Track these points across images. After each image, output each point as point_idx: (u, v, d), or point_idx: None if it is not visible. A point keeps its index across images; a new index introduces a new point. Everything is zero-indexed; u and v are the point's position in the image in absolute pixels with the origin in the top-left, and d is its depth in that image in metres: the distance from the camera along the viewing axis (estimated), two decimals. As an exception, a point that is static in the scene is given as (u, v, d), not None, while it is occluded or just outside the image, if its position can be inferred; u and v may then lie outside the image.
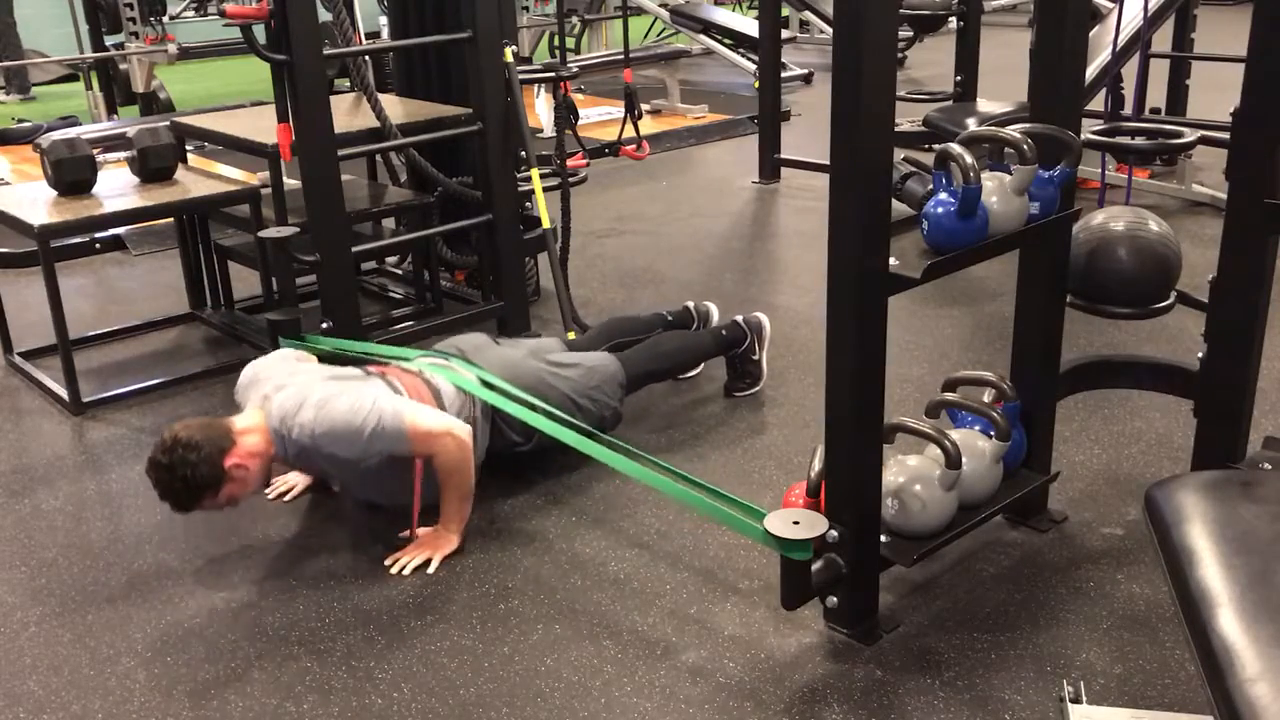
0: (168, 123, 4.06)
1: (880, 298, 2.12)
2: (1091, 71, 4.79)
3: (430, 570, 2.61)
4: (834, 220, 2.08)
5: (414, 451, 2.61)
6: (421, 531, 2.70)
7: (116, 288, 4.73)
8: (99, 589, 2.62)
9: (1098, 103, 4.84)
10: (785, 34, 7.49)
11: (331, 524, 2.87)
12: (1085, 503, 2.78)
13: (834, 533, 2.22)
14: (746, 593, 2.49)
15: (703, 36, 8.57)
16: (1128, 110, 4.94)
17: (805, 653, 2.29)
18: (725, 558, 2.63)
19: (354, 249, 3.49)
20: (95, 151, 3.87)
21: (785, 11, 8.78)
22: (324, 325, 3.28)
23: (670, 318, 3.52)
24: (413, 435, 2.58)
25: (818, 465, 2.34)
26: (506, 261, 3.77)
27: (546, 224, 3.84)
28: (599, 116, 7.37)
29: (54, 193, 3.71)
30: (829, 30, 8.91)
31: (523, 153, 3.78)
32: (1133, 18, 4.72)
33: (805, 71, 8.87)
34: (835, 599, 2.30)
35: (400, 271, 4.57)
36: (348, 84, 5.16)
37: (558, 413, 2.82)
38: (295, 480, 3.00)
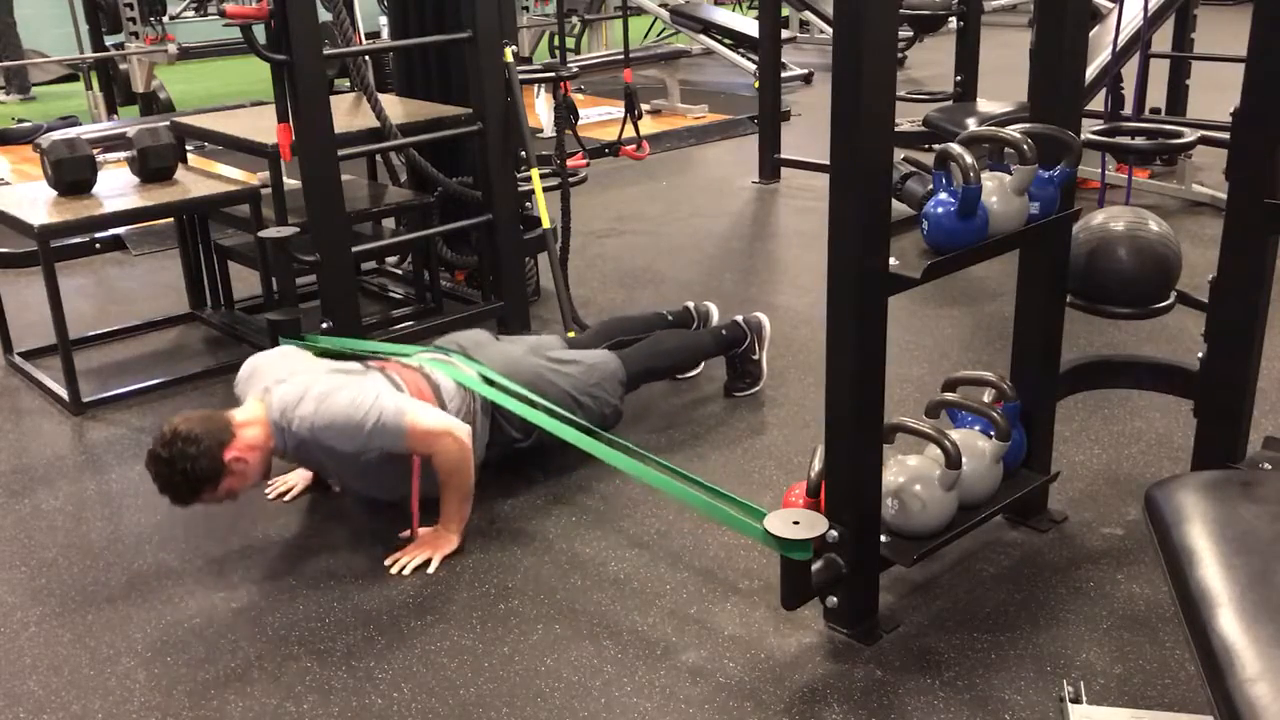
0: (168, 123, 4.06)
1: (880, 298, 2.12)
2: (1091, 71, 4.79)
3: (430, 570, 2.61)
4: (834, 220, 2.08)
5: (413, 450, 2.61)
6: (422, 531, 2.70)
7: (116, 288, 4.73)
8: (99, 589, 2.62)
9: (1098, 103, 4.84)
10: (785, 34, 7.49)
11: (331, 524, 2.87)
12: (1085, 503, 2.78)
13: (834, 533, 2.22)
14: (746, 593, 2.49)
15: (703, 36, 8.57)
16: (1128, 110, 4.94)
17: (805, 653, 2.29)
18: (725, 558, 2.63)
19: (354, 249, 3.49)
20: (95, 151, 3.87)
21: (785, 11, 8.78)
22: (324, 325, 3.28)
23: (670, 317, 3.52)
24: (412, 434, 2.58)
25: (818, 465, 2.34)
26: (506, 261, 3.77)
27: (546, 224, 3.84)
28: (599, 116, 7.37)
29: (54, 193, 3.71)
30: (829, 30, 8.91)
31: (523, 153, 3.78)
32: (1133, 18, 4.72)
33: (805, 71, 8.87)
34: (835, 599, 2.30)
35: (400, 271, 4.57)
36: (348, 84, 5.16)
37: (558, 409, 2.83)
38: (295, 481, 3.00)
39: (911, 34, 7.73)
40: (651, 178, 6.18)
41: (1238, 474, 2.10)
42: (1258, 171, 2.26)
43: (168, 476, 2.51)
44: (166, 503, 2.89)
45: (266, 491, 2.97)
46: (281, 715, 2.19)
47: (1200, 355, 2.48)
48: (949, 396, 2.53)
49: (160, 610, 2.53)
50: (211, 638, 2.42)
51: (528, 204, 3.99)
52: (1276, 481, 1.94)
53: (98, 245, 5.08)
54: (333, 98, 3.32)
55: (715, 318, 3.59)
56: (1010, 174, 2.24)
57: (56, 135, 4.16)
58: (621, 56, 6.00)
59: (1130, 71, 4.60)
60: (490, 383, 2.86)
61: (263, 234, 3.19)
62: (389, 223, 4.38)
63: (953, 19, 5.87)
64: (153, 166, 3.78)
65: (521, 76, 3.77)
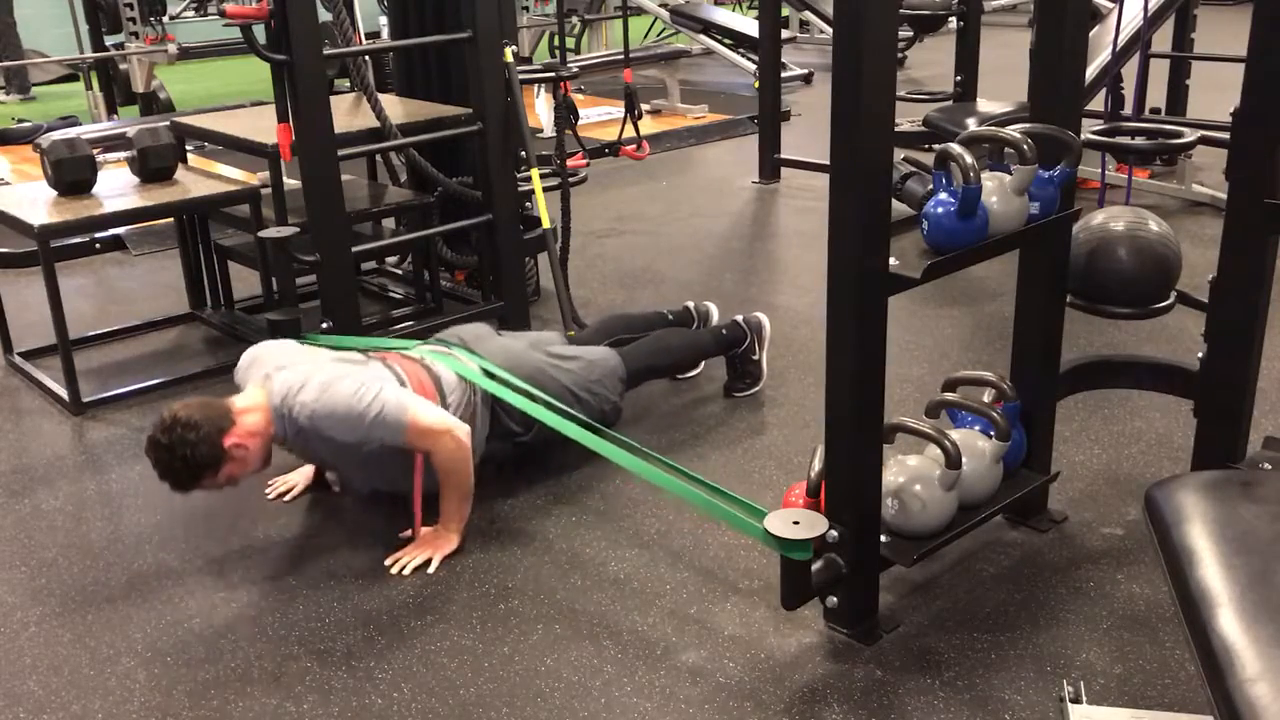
0: (168, 123, 4.06)
1: (880, 298, 2.12)
2: (1091, 71, 4.79)
3: (430, 570, 2.61)
4: (834, 220, 2.08)
5: (411, 446, 2.60)
6: (422, 531, 2.70)
7: (116, 288, 4.73)
8: (99, 589, 2.62)
9: (1098, 103, 4.84)
10: (785, 34, 7.49)
11: (331, 524, 2.87)
12: (1085, 503, 2.78)
13: (834, 533, 2.22)
14: (746, 593, 2.49)
15: (703, 36, 8.57)
16: (1128, 110, 4.94)
17: (805, 653, 2.29)
18: (725, 558, 2.63)
19: (354, 249, 3.49)
20: (95, 151, 3.87)
21: (785, 11, 8.78)
22: (324, 325, 3.29)
23: (671, 317, 3.52)
24: (412, 429, 2.57)
25: (818, 465, 2.34)
26: (506, 261, 3.77)
27: (546, 224, 3.84)
28: (599, 116, 7.37)
29: (54, 193, 3.71)
30: (829, 30, 8.91)
31: (523, 153, 3.78)
32: (1133, 18, 4.72)
33: (805, 71, 8.87)
34: (835, 599, 2.30)
35: (400, 271, 4.57)
36: (348, 84, 5.16)
37: (558, 404, 2.83)
38: (295, 480, 3.00)
39: (911, 34, 7.73)
40: (651, 178, 6.18)
41: (1238, 474, 2.10)
42: (1258, 171, 2.26)
43: (167, 463, 2.50)
44: (166, 503, 2.91)
45: (266, 491, 2.97)
46: (281, 715, 2.19)
47: (1200, 355, 2.49)
48: (949, 396, 2.53)
49: (160, 610, 2.53)
50: (211, 638, 2.42)
51: (528, 204, 3.99)
52: (1276, 481, 1.94)
53: (98, 245, 5.08)
54: (333, 98, 3.33)
55: (715, 318, 3.59)
56: (1010, 174, 2.24)
57: (56, 135, 4.16)
58: (621, 56, 6.00)
59: (1130, 71, 4.60)
60: (491, 376, 2.86)
61: (263, 234, 3.20)
62: (389, 223, 4.38)
63: (953, 19, 5.87)
64: (153, 166, 3.78)
65: (521, 76, 3.77)
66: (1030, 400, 2.55)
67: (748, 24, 8.33)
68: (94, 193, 3.71)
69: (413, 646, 2.36)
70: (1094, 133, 3.59)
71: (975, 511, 2.44)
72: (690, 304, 3.61)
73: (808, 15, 10.00)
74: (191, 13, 10.33)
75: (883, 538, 2.32)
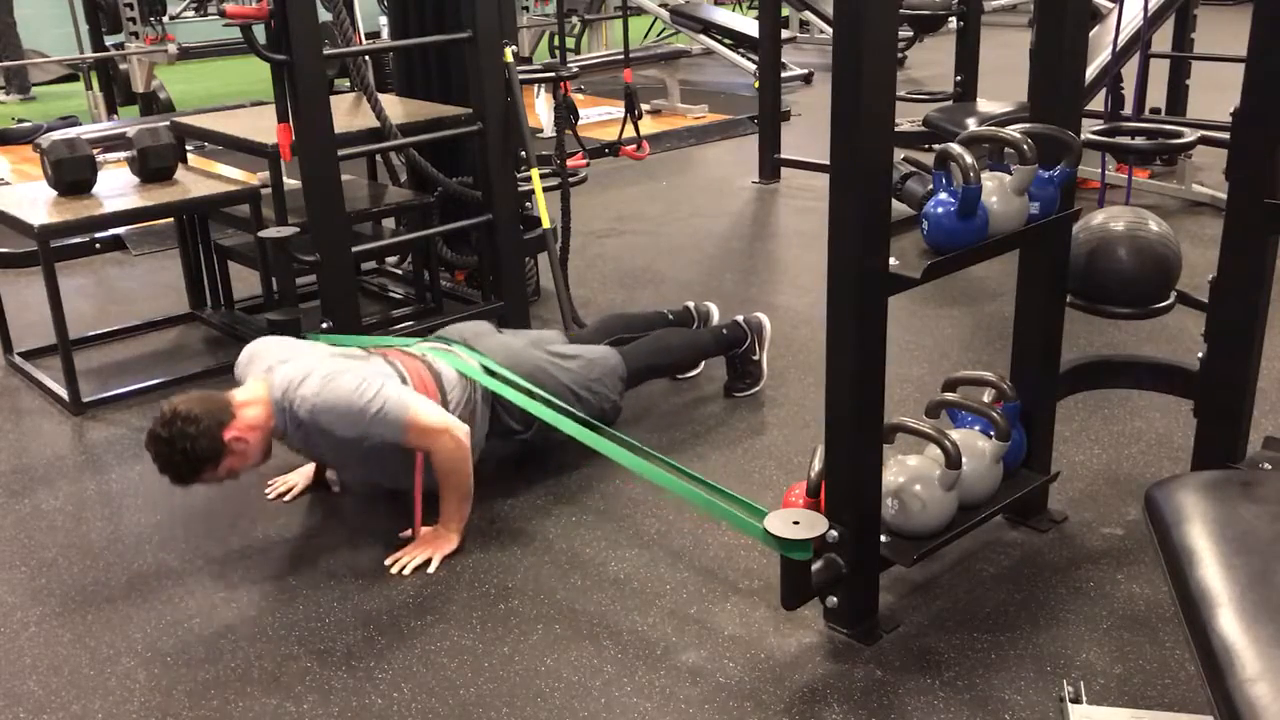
0: (168, 123, 4.06)
1: (880, 298, 2.12)
2: (1091, 71, 4.79)
3: (430, 570, 2.61)
4: (834, 220, 2.08)
5: (410, 444, 2.60)
6: (422, 531, 2.70)
7: (116, 288, 4.73)
8: (99, 589, 2.62)
9: (1098, 103, 4.84)
10: (785, 34, 7.49)
11: (331, 524, 2.87)
12: (1085, 503, 2.78)
13: (834, 533, 2.22)
14: (746, 593, 2.49)
15: (703, 36, 8.57)
16: (1128, 110, 4.94)
17: (805, 653, 2.29)
18: (725, 558, 2.63)
19: (354, 249, 3.49)
20: (95, 151, 3.87)
21: (785, 11, 8.78)
22: (324, 325, 3.28)
23: (671, 317, 3.52)
24: (411, 427, 2.57)
25: (818, 465, 2.34)
26: (506, 261, 3.77)
27: (546, 224, 3.84)
28: (599, 116, 7.37)
29: (54, 193, 3.71)
30: (829, 30, 8.91)
31: (523, 153, 3.78)
32: (1133, 18, 4.72)
33: (805, 71, 8.87)
34: (835, 599, 2.30)
35: (400, 271, 4.57)
36: (348, 84, 5.16)
37: (558, 402, 2.83)
38: (295, 480, 3.00)
39: (911, 34, 7.73)
40: (651, 178, 6.18)
41: (1238, 474, 2.09)
42: (1258, 171, 2.26)
43: (167, 456, 2.50)
44: (166, 503, 2.91)
45: (266, 492, 2.97)
46: (281, 715, 2.19)
47: (1200, 355, 2.49)
48: (949, 396, 2.53)
49: (160, 610, 2.53)
50: (211, 638, 2.42)
51: (528, 204, 3.99)
52: (1276, 481, 1.94)
53: (98, 245, 5.08)
54: (333, 98, 3.32)
55: (715, 318, 3.59)
56: (1010, 174, 2.24)
57: (56, 135, 4.16)
58: (621, 56, 6.00)
59: (1130, 71, 4.60)
60: (492, 373, 2.86)
61: (263, 234, 3.19)
62: (389, 223, 4.38)
63: (953, 19, 5.87)
64: (153, 166, 3.78)
65: (521, 76, 3.77)
66: (1030, 400, 2.55)
67: (748, 24, 8.33)
68: (94, 193, 3.71)
69: (413, 646, 2.36)
70: (1094, 133, 3.59)
71: (975, 511, 2.44)
72: (690, 304, 3.61)
73: (808, 15, 10.00)
74: (191, 13, 10.33)
75: (883, 538, 2.32)
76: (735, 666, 2.26)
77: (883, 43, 1.98)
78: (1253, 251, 2.32)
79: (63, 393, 3.52)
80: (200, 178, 3.91)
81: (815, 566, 2.22)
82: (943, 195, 2.17)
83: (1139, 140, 4.03)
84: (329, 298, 3.34)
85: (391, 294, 4.41)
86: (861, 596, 2.32)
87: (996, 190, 2.22)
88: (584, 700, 2.19)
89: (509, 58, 3.59)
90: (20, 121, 7.73)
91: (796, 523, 2.12)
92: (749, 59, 8.10)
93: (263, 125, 3.69)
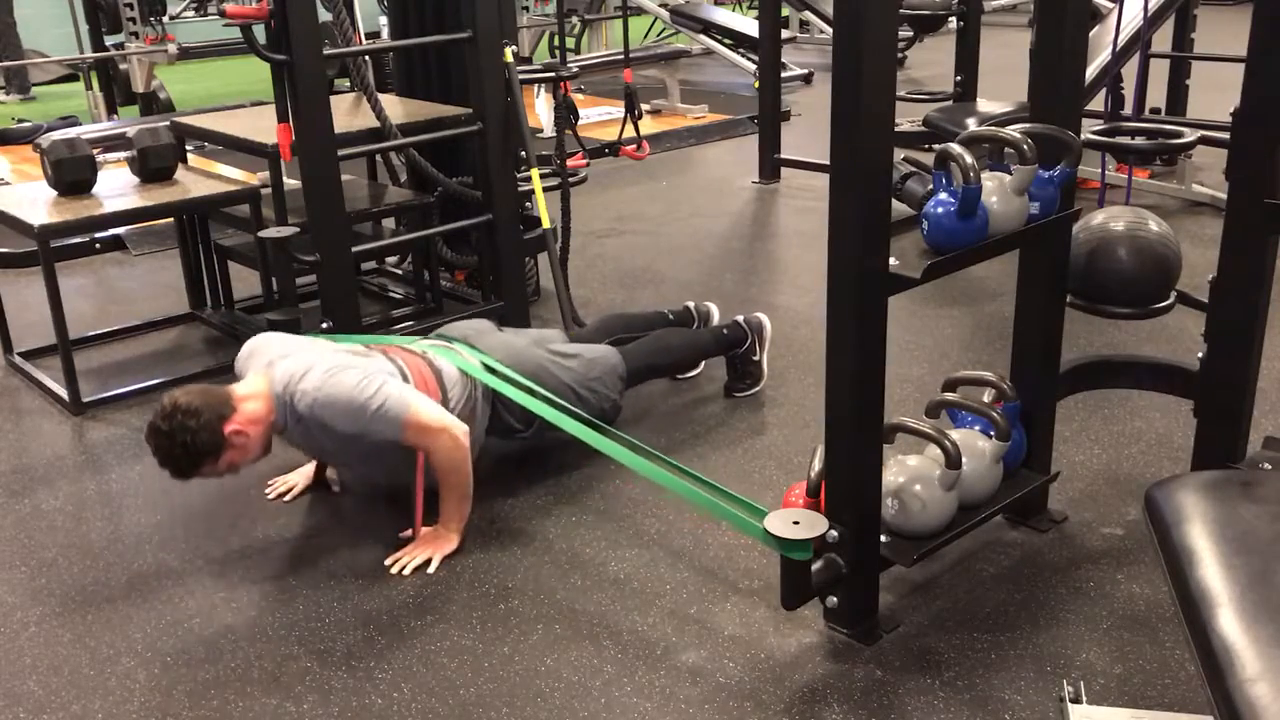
0: (168, 123, 4.06)
1: (880, 298, 2.12)
2: (1091, 71, 4.79)
3: (430, 570, 2.61)
4: (834, 220, 2.08)
5: (409, 443, 2.60)
6: (422, 530, 2.70)
7: (116, 288, 4.73)
8: (99, 589, 2.62)
9: (1098, 103, 4.84)
10: (785, 34, 7.49)
11: (331, 524, 2.87)
12: (1085, 503, 2.78)
13: (834, 533, 2.22)
14: (746, 593, 2.49)
15: (703, 36, 8.57)
16: (1128, 110, 4.94)
17: (805, 653, 2.29)
18: (725, 558, 2.63)
19: (354, 249, 3.49)
20: (95, 151, 3.87)
21: (785, 11, 8.78)
22: (324, 325, 3.28)
23: (671, 317, 3.53)
24: (411, 426, 2.57)
25: (818, 465, 2.34)
26: (506, 261, 3.77)
27: (546, 224, 3.84)
28: (599, 116, 7.37)
29: (54, 193, 3.71)
30: (829, 30, 8.91)
31: (523, 153, 3.78)
32: (1133, 18, 4.72)
33: (805, 71, 8.87)
34: (835, 599, 2.30)
35: (400, 271, 4.57)
36: (348, 84, 5.16)
37: (559, 401, 2.83)
38: (295, 480, 3.00)
39: (911, 34, 7.73)
40: (651, 178, 6.18)
41: (1238, 474, 2.09)
42: (1258, 171, 2.26)
43: (168, 449, 2.50)
44: (167, 502, 2.92)
45: (266, 491, 2.97)
46: (281, 715, 2.19)
47: (1200, 355, 2.49)
48: (949, 396, 2.53)
49: (160, 610, 2.53)
50: (211, 638, 2.42)
51: (528, 204, 3.99)
52: (1276, 481, 1.94)
53: (98, 245, 5.08)
54: (333, 98, 3.32)
55: (716, 318, 3.59)
56: (1010, 174, 2.24)
57: (56, 135, 4.16)
58: (621, 56, 6.00)
59: (1130, 71, 4.60)
60: (492, 371, 2.86)
61: (263, 234, 3.20)
62: (389, 223, 4.38)
63: (953, 19, 5.87)
64: (153, 166, 3.78)
65: (521, 76, 3.77)
66: (1030, 400, 2.55)
67: (748, 24, 8.33)
68: (94, 193, 3.71)
69: (413, 646, 2.36)
70: (1094, 133, 3.59)
71: (975, 511, 2.44)
72: (690, 304, 3.61)
73: (808, 15, 10.00)
74: (191, 13, 10.33)
75: (883, 538, 2.32)
76: (735, 666, 2.26)
77: (883, 43, 1.98)
78: (1253, 251, 2.32)
79: (63, 393, 3.52)
80: (200, 178, 3.91)
81: (815, 566, 2.22)
82: (943, 195, 2.17)
83: (1139, 140, 4.03)
84: (329, 298, 3.34)
85: (391, 294, 4.40)
86: (861, 596, 2.32)
87: (996, 190, 2.22)
88: (584, 700, 2.19)
89: (509, 58, 3.60)
90: (20, 121, 7.73)
91: (796, 523, 2.12)
92: (749, 59, 8.10)
93: (263, 125, 3.69)
